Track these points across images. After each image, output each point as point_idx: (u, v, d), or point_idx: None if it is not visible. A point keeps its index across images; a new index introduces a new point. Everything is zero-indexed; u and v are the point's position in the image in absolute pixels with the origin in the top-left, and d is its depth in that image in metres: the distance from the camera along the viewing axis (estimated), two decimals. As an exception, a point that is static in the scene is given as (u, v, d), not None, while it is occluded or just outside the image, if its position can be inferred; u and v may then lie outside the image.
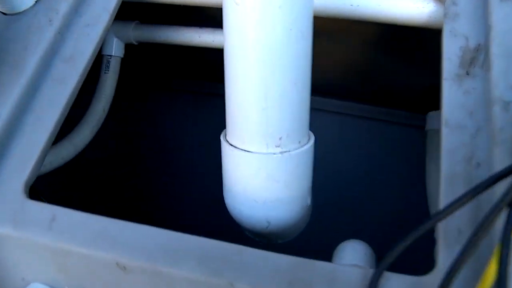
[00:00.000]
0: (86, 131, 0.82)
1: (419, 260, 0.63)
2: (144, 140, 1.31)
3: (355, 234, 0.73)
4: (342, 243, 0.68)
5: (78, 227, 0.53)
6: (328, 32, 0.92)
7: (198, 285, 0.49)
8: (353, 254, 0.64)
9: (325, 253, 0.71)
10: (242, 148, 0.56)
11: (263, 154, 0.55)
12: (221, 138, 0.60)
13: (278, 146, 0.55)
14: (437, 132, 0.86)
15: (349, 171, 1.15)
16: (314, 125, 0.63)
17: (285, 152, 0.56)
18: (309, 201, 0.63)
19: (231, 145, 0.57)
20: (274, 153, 0.55)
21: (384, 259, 0.46)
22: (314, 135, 0.61)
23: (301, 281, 0.48)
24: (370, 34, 0.93)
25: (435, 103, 0.94)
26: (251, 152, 0.56)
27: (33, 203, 0.55)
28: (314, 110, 1.02)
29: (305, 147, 0.58)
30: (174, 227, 0.52)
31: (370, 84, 1.08)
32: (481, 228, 0.42)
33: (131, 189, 1.34)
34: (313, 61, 0.56)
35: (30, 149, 0.59)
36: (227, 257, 0.49)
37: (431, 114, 0.91)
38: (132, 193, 1.34)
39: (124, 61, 0.91)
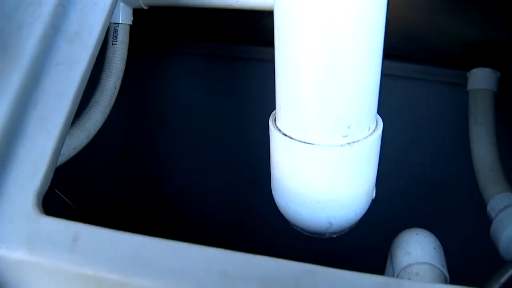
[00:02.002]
0: (98, 114, 0.73)
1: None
2: (152, 111, 1.22)
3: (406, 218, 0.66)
4: (403, 233, 0.61)
5: (106, 248, 0.45)
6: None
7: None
8: (421, 249, 0.57)
9: (376, 240, 0.64)
10: (301, 140, 0.47)
11: (328, 147, 0.46)
12: (270, 124, 0.50)
13: (346, 136, 0.46)
14: (482, 91, 0.77)
15: (386, 135, 1.06)
16: None
17: (353, 142, 0.47)
18: (374, 194, 0.54)
19: (285, 135, 0.48)
20: (341, 145, 0.46)
21: None
22: None
23: (391, 308, 0.40)
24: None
25: (477, 60, 0.85)
26: (313, 144, 0.46)
27: (49, 220, 0.47)
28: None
29: (375, 133, 0.49)
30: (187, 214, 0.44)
31: (409, 40, 0.97)
32: None
33: (144, 177, 1.26)
34: None
35: (38, 154, 0.49)
36: (297, 280, 0.41)
37: (474, 72, 0.82)
38: (140, 179, 1.26)
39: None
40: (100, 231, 0.46)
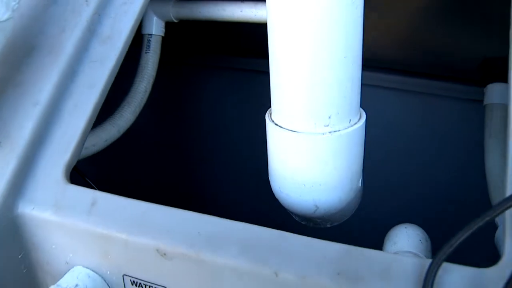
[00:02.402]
0: (129, 113, 0.83)
1: (478, 253, 0.60)
2: (184, 117, 1.32)
3: (408, 218, 0.70)
4: (395, 227, 0.66)
5: (118, 212, 0.54)
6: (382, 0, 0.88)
7: (241, 274, 0.48)
8: (407, 240, 0.61)
9: (376, 238, 0.69)
10: (289, 128, 0.54)
11: (311, 134, 0.53)
12: (266, 117, 0.58)
13: (327, 126, 0.53)
14: (498, 106, 0.81)
15: (401, 150, 1.10)
16: (366, 102, 0.60)
17: (334, 131, 0.53)
18: (360, 183, 0.61)
19: (277, 124, 0.56)
20: (322, 133, 0.53)
21: (443, 248, 0.43)
22: (366, 112, 0.58)
23: (350, 271, 0.46)
24: (425, 1, 0.87)
25: (494, 75, 0.88)
26: (298, 132, 0.54)
27: (73, 187, 0.56)
28: (367, 86, 0.97)
29: (356, 126, 0.55)
30: (213, 211, 0.51)
31: (425, 56, 1.02)
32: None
33: (170, 170, 1.36)
34: (366, 34, 0.53)
35: (70, 134, 0.59)
36: (271, 244, 0.48)
37: (491, 87, 0.85)
38: (171, 174, 1.36)
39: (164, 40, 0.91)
40: (114, 197, 0.55)
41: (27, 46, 0.64)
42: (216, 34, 1.14)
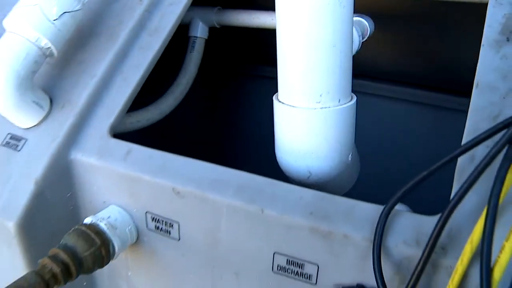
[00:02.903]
0: (171, 99, 0.98)
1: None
2: (218, 116, 1.47)
3: None
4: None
5: (146, 160, 0.68)
6: (392, 15, 0.99)
7: (235, 210, 0.60)
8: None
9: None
10: (288, 104, 0.67)
11: (305, 109, 0.65)
12: (274, 98, 0.71)
13: (319, 102, 0.65)
14: None
15: (413, 162, 1.18)
16: (383, 114, 0.69)
17: (324, 108, 0.65)
18: (349, 158, 0.71)
19: (280, 101, 0.68)
20: (314, 108, 0.65)
21: (394, 196, 0.54)
22: (384, 123, 0.69)
23: (321, 212, 0.57)
24: (436, 15, 0.97)
25: None
26: (295, 106, 0.66)
27: (114, 140, 0.71)
28: (383, 97, 1.10)
29: (345, 105, 0.67)
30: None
31: (437, 70, 1.11)
32: (482, 165, 0.48)
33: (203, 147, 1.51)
34: (380, 49, 0.64)
35: (117, 101, 0.75)
36: (260, 188, 0.60)
37: None
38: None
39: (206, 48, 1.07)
40: (144, 148, 0.69)
41: (91, 32, 0.81)
42: (252, 45, 1.29)
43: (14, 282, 0.60)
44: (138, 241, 0.72)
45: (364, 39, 0.89)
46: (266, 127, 0.88)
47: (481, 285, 0.43)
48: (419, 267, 0.50)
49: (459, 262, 0.48)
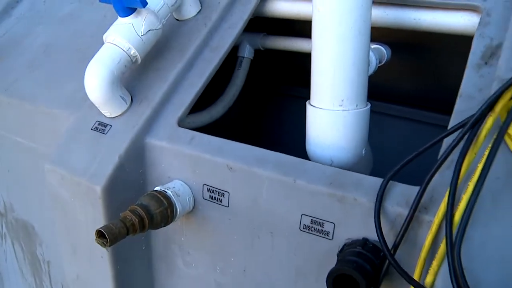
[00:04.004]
0: (220, 107, 1.21)
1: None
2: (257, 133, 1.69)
3: None
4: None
5: (206, 143, 0.90)
6: (409, 44, 1.21)
7: (273, 181, 0.82)
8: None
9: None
10: (318, 106, 0.88)
11: (330, 110, 0.87)
12: (307, 103, 0.93)
13: (341, 106, 0.87)
14: None
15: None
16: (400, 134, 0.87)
17: (345, 110, 0.87)
18: (363, 152, 0.92)
19: (311, 105, 0.90)
20: (338, 110, 0.87)
21: (391, 171, 0.74)
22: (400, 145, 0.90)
23: (338, 182, 0.78)
24: (452, 46, 1.18)
25: None
26: (323, 109, 0.88)
27: (181, 129, 0.94)
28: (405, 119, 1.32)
29: (361, 109, 0.88)
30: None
31: (442, 92, 1.30)
32: (450, 148, 0.69)
33: None
34: (406, 74, 0.84)
35: (184, 99, 0.98)
36: (293, 164, 0.82)
37: None
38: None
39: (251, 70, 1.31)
40: (205, 135, 0.91)
41: (166, 47, 1.06)
42: (290, 68, 1.52)
43: (105, 225, 0.82)
44: (193, 209, 0.94)
45: (382, 63, 1.11)
46: (297, 140, 1.09)
47: (446, 225, 0.63)
48: (406, 221, 0.70)
49: (436, 216, 0.68)
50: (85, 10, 1.34)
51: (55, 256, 1.30)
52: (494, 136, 0.68)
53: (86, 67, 0.95)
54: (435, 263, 0.66)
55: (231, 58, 1.28)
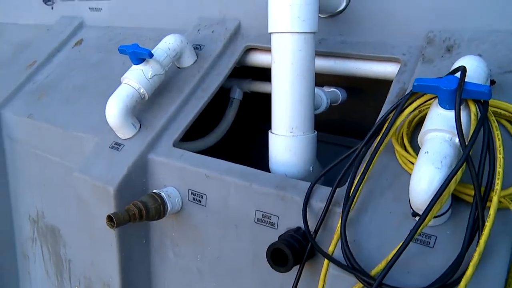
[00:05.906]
0: (213, 138, 1.55)
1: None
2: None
3: None
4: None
5: (191, 159, 1.23)
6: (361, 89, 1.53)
7: (238, 186, 1.13)
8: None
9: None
10: (275, 133, 1.21)
11: (284, 136, 1.19)
12: (269, 131, 1.25)
13: (291, 132, 1.19)
14: None
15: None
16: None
17: (294, 136, 1.19)
18: (311, 168, 1.23)
19: (272, 132, 1.22)
20: (289, 136, 1.19)
21: (318, 176, 1.05)
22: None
23: (282, 186, 1.09)
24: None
25: None
26: (278, 135, 1.20)
27: (175, 149, 1.28)
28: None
29: (308, 135, 1.20)
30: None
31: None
32: (355, 154, 1.00)
33: None
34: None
35: (179, 127, 1.32)
36: (252, 174, 1.14)
37: None
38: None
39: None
40: (190, 153, 1.24)
41: (167, 88, 1.41)
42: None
43: (113, 212, 1.14)
44: (182, 209, 1.25)
45: (337, 103, 1.43)
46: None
47: (342, 214, 0.93)
48: (323, 213, 1.00)
49: (342, 206, 0.98)
50: (110, 58, 1.72)
51: (74, 255, 1.62)
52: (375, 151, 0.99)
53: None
54: (335, 237, 0.95)
55: (224, 99, 1.63)
